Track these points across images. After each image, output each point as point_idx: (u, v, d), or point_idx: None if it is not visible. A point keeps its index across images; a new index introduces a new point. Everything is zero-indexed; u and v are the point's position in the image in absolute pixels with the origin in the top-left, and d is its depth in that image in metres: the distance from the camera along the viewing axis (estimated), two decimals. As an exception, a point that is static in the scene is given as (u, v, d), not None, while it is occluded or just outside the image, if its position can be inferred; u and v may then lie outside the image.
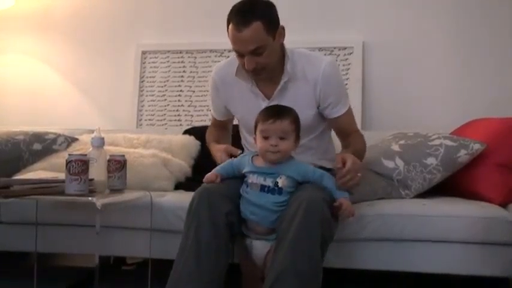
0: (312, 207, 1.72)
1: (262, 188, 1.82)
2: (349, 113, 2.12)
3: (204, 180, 1.90)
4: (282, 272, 1.66)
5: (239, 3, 1.94)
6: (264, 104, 2.04)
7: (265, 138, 1.81)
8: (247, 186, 1.86)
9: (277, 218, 1.80)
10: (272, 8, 1.95)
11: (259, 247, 1.84)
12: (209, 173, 1.92)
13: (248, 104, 2.07)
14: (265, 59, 1.93)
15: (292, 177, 1.82)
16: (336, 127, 2.15)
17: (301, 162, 1.87)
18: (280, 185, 1.81)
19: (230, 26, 1.91)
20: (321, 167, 1.98)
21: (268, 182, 1.82)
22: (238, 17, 1.88)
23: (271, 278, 1.68)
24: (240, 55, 1.95)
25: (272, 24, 1.92)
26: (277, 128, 1.79)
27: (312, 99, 2.05)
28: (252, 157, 1.89)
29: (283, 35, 1.99)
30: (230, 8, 1.96)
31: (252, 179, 1.85)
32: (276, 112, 1.83)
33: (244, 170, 1.88)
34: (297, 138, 1.85)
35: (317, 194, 1.76)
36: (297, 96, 2.03)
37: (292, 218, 1.72)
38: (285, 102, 2.01)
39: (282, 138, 1.80)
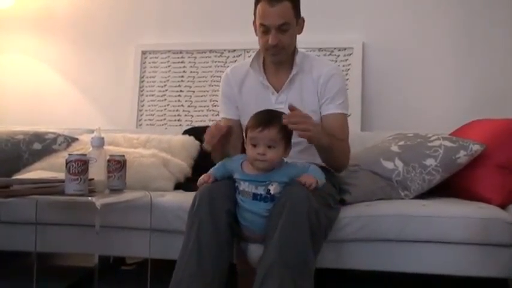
0: (297, 200, 1.73)
1: (255, 196, 1.81)
2: (342, 119, 2.14)
3: (198, 183, 1.90)
4: (271, 265, 1.67)
5: None
6: (274, 97, 2.14)
7: (254, 146, 1.79)
8: (238, 193, 1.85)
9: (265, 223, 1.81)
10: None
11: (255, 250, 1.84)
12: (202, 176, 1.91)
13: (258, 97, 2.13)
14: (287, 39, 2.06)
15: (284, 182, 1.80)
16: (324, 127, 2.12)
17: (291, 163, 1.86)
18: (272, 192, 1.80)
19: (260, 4, 2.06)
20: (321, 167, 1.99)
21: (260, 190, 1.80)
22: None
23: (261, 273, 1.68)
24: (266, 31, 2.06)
25: (298, 9, 2.10)
26: (265, 137, 1.78)
27: (315, 96, 2.13)
28: (241, 163, 1.86)
29: (302, 26, 2.15)
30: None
31: (244, 186, 1.83)
32: (264, 120, 1.80)
33: (235, 176, 1.87)
34: (288, 145, 1.83)
35: (303, 187, 1.77)
36: (303, 90, 2.14)
37: (279, 214, 1.72)
38: (292, 95, 2.12)
39: (270, 147, 1.78)
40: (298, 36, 2.16)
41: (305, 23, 2.15)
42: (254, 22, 2.12)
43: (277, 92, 2.15)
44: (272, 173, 1.81)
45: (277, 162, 1.81)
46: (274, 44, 2.05)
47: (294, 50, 2.16)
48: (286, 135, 1.81)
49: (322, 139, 1.94)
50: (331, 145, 1.99)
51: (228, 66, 3.22)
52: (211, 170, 1.92)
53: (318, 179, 1.80)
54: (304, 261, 1.70)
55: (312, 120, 1.90)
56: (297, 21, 2.09)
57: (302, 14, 2.13)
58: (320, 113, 2.13)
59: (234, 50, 3.31)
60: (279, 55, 2.10)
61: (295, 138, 1.92)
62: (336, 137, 2.07)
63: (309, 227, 1.72)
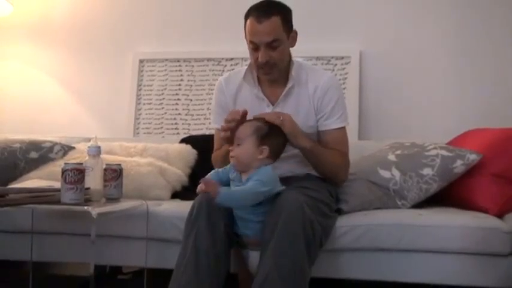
0: (292, 210, 1.73)
1: None
2: (341, 133, 2.12)
3: (197, 190, 1.86)
4: (267, 276, 1.67)
5: (257, 2, 2.04)
6: (268, 109, 2.10)
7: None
8: None
9: (259, 227, 1.81)
10: (289, 11, 2.07)
11: (255, 257, 1.83)
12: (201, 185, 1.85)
13: (253, 109, 2.06)
14: (278, 55, 2.01)
15: (260, 181, 1.79)
16: (324, 142, 2.11)
17: (264, 168, 1.82)
18: None
19: (249, 20, 2.01)
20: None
21: None
22: (259, 11, 2.00)
23: (257, 282, 1.69)
24: (255, 48, 2.02)
25: (288, 23, 2.05)
26: (237, 134, 1.85)
27: (311, 108, 2.10)
28: None
29: (295, 39, 2.10)
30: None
31: (232, 187, 1.86)
32: (241, 121, 1.88)
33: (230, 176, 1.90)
34: (260, 144, 1.82)
35: (298, 197, 1.78)
36: (299, 103, 2.10)
37: (275, 224, 1.72)
38: (288, 108, 2.08)
39: (238, 145, 1.83)
40: (295, 45, 2.14)
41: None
42: (245, 36, 2.08)
43: (273, 105, 2.11)
44: (251, 174, 1.81)
45: (245, 161, 1.82)
46: (265, 61, 2.00)
47: (289, 62, 2.12)
48: (257, 134, 1.82)
49: (299, 138, 1.93)
50: (313, 149, 1.98)
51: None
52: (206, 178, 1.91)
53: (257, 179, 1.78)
54: (299, 272, 1.71)
55: (287, 115, 1.92)
56: (288, 36, 2.04)
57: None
58: (318, 127, 2.11)
59: (232, 59, 3.31)
60: (271, 73, 2.06)
61: (293, 150, 1.93)
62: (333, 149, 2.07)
63: (303, 238, 1.72)
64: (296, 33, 2.09)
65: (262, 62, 2.01)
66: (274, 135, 1.86)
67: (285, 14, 2.03)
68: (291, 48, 2.14)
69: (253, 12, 2.00)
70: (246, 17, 2.03)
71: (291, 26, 2.07)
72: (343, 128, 2.13)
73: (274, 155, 1.87)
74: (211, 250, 1.77)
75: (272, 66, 2.03)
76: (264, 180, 1.77)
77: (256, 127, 1.84)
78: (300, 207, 1.74)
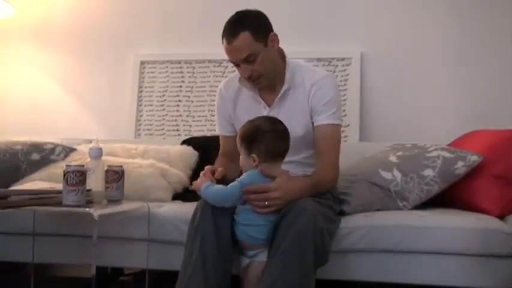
0: (306, 220, 1.72)
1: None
2: (331, 130, 2.06)
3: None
4: (273, 283, 1.66)
5: (229, 18, 2.04)
6: (265, 111, 2.11)
7: None
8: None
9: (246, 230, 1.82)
10: (260, 17, 2.04)
11: (242, 263, 1.85)
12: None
13: (251, 112, 2.07)
14: (260, 66, 2.00)
15: (239, 181, 1.81)
16: (315, 139, 2.08)
17: (253, 172, 1.83)
18: None
19: (223, 41, 2.01)
20: None
21: None
22: (227, 30, 2.00)
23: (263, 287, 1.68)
24: (236, 65, 2.03)
25: (261, 32, 1.99)
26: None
27: (307, 110, 2.08)
28: None
29: (276, 41, 2.06)
30: (229, 18, 2.02)
31: None
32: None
33: None
34: (249, 154, 1.82)
35: (311, 204, 1.77)
36: (295, 105, 2.09)
37: (286, 230, 1.72)
38: (283, 111, 2.09)
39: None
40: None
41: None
42: None
43: (269, 107, 2.11)
44: None
45: (246, 169, 1.85)
46: (248, 75, 2.01)
47: (285, 65, 2.10)
48: (245, 143, 1.84)
49: (302, 194, 1.84)
50: (314, 193, 1.93)
51: (226, 77, 3.23)
52: None
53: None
54: (306, 281, 1.71)
55: (277, 192, 1.78)
56: (265, 43, 1.99)
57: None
58: (312, 123, 2.09)
59: (233, 60, 3.31)
60: (260, 83, 2.06)
61: (291, 157, 1.95)
62: (325, 153, 2.04)
63: (313, 247, 1.72)
64: (275, 35, 2.04)
65: (246, 77, 2.03)
66: (257, 142, 1.82)
67: (254, 24, 1.98)
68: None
69: (224, 33, 2.00)
70: (222, 37, 2.02)
71: (267, 30, 2.02)
72: (336, 125, 2.07)
73: (269, 157, 1.82)
74: (218, 254, 1.77)
75: (258, 77, 2.03)
76: (242, 181, 1.80)
77: (240, 140, 1.86)
78: (313, 216, 1.73)
